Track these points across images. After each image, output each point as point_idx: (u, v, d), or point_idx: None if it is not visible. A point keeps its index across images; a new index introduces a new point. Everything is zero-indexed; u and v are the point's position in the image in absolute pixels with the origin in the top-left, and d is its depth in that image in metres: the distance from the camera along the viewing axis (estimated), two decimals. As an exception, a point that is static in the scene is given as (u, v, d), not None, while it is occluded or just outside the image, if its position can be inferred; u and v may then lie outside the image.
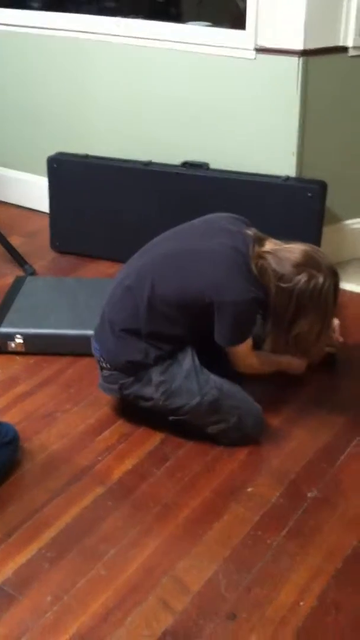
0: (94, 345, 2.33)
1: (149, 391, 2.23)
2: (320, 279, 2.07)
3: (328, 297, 2.10)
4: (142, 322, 2.19)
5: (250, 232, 2.19)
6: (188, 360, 2.21)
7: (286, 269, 2.08)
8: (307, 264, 2.08)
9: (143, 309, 2.18)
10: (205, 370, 2.22)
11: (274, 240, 2.18)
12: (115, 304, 2.26)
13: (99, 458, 2.23)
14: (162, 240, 2.29)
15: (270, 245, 2.15)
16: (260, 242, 2.16)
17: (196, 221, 2.31)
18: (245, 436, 2.25)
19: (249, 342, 2.23)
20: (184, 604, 1.77)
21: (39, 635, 1.70)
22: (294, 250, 2.12)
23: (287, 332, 2.13)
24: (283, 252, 2.11)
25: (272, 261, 2.09)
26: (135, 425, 2.35)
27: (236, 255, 2.13)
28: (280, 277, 2.08)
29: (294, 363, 2.41)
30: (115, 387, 2.30)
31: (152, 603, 1.78)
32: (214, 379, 2.21)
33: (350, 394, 2.52)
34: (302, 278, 2.06)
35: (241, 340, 2.21)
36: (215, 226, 2.24)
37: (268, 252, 2.12)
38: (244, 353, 2.26)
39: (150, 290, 2.16)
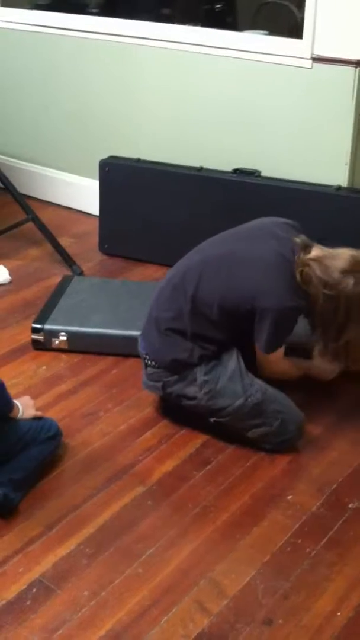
0: (141, 343, 2.34)
1: (192, 390, 2.24)
2: None
3: None
4: (187, 323, 2.20)
5: (299, 239, 2.18)
6: (233, 361, 2.21)
7: (331, 275, 2.06)
8: (354, 269, 2.07)
9: (187, 310, 2.20)
10: (250, 374, 2.22)
11: (320, 247, 2.17)
12: (162, 303, 2.28)
13: (140, 458, 2.24)
14: (213, 242, 2.30)
15: (316, 252, 2.14)
16: (306, 249, 2.15)
17: (248, 225, 2.32)
18: (286, 441, 2.24)
19: (281, 349, 2.23)
20: (220, 607, 1.77)
21: (75, 629, 1.71)
22: (340, 256, 2.10)
23: (336, 340, 2.12)
24: (329, 259, 2.10)
25: (316, 268, 2.09)
26: (177, 428, 2.36)
27: (281, 262, 2.13)
28: (325, 284, 2.07)
29: (325, 368, 2.38)
30: (159, 384, 2.31)
31: (188, 604, 1.78)
32: (259, 382, 2.22)
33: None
34: (349, 283, 2.05)
35: (277, 347, 2.21)
36: (264, 231, 2.24)
37: (313, 260, 2.11)
38: (275, 359, 2.25)
39: (194, 291, 2.18)
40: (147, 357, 2.32)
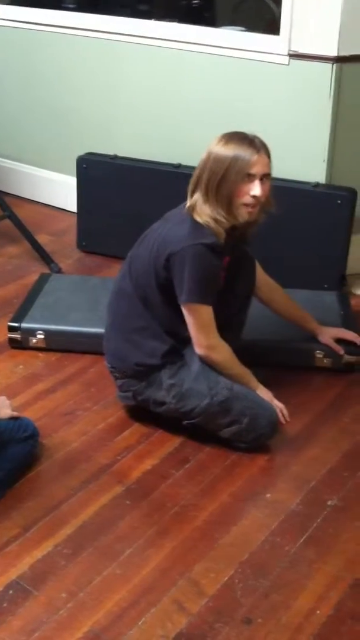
0: (106, 358, 2.37)
1: (160, 395, 2.24)
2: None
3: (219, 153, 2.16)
4: (144, 315, 2.23)
5: None
6: (196, 362, 2.21)
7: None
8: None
9: (137, 300, 2.23)
10: (215, 372, 2.21)
11: None
12: (115, 307, 2.34)
13: (119, 457, 2.23)
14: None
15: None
16: None
17: None
18: (260, 437, 2.22)
19: (209, 311, 2.15)
20: (199, 607, 1.76)
21: (53, 631, 1.69)
22: None
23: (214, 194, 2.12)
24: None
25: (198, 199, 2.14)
26: (155, 427, 2.34)
27: (180, 215, 2.18)
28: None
29: (253, 382, 2.28)
30: (130, 394, 2.31)
31: (166, 604, 1.77)
32: (224, 380, 2.20)
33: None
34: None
35: (200, 296, 2.13)
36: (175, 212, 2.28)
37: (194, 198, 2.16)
38: (204, 322, 2.15)
39: (134, 278, 2.24)
40: (114, 369, 2.33)
